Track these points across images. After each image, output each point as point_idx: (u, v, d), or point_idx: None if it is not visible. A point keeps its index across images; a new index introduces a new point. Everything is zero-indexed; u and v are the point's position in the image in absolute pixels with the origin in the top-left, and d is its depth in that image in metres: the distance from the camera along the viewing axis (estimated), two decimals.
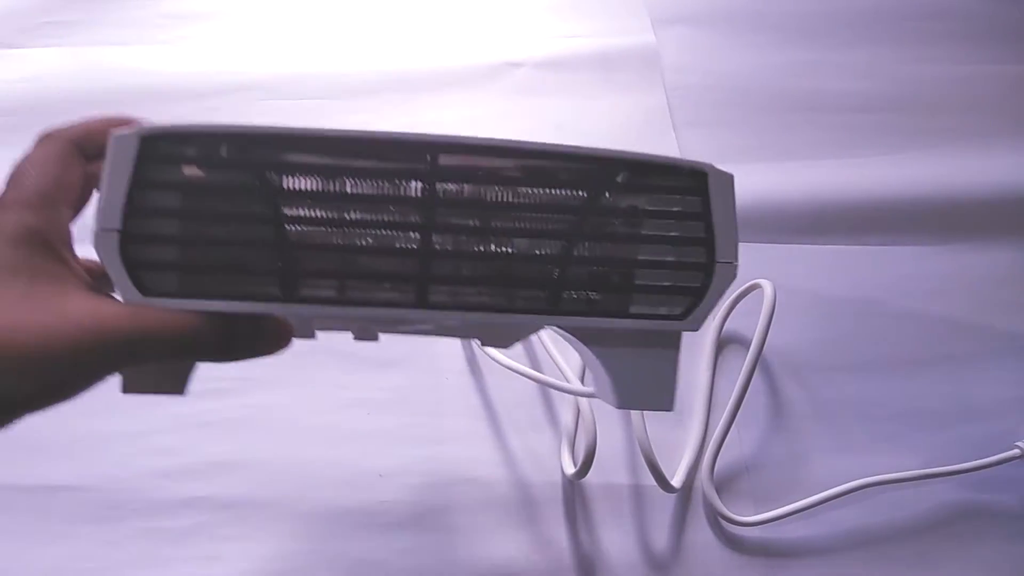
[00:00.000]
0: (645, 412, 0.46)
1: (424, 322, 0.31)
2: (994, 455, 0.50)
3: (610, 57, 0.63)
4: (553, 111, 0.61)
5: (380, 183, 0.27)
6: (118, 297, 0.26)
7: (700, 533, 0.49)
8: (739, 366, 0.48)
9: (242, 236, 0.26)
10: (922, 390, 0.53)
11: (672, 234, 0.29)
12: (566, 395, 0.49)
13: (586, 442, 0.44)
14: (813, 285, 0.56)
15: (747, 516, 0.48)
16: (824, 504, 0.49)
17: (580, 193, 0.28)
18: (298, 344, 0.29)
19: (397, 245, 0.27)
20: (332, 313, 0.27)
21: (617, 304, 0.28)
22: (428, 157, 0.27)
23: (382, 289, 0.27)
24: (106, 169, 0.25)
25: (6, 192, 0.26)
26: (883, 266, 0.57)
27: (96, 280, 0.27)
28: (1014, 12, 0.67)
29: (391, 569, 0.46)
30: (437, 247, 0.27)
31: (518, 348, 0.52)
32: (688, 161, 0.29)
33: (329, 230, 0.27)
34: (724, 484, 0.50)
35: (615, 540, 0.48)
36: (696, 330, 0.29)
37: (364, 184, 0.27)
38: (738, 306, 0.53)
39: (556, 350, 0.49)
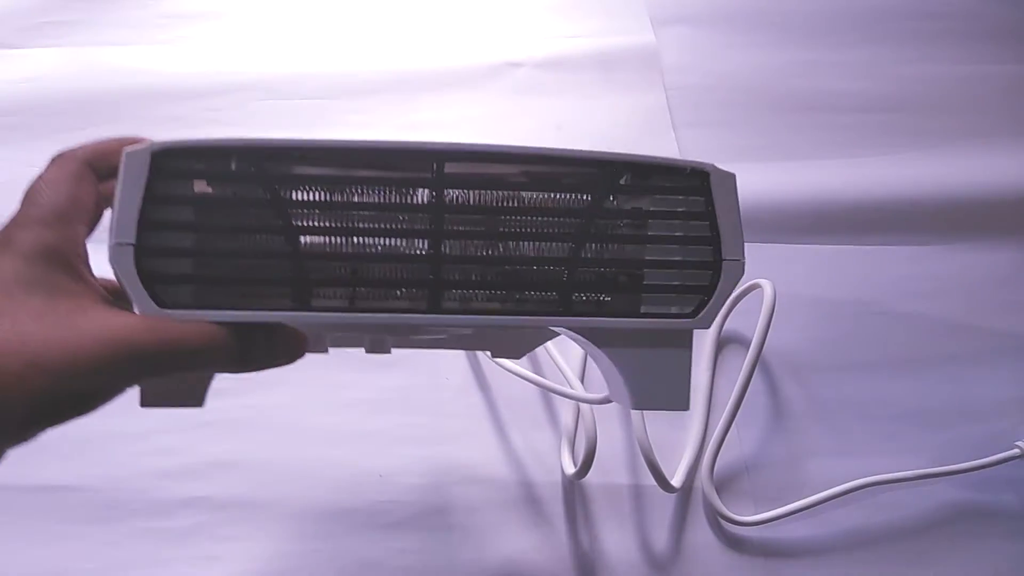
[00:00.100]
0: (645, 412, 0.46)
1: (437, 328, 0.32)
2: (994, 455, 0.50)
3: (610, 57, 0.63)
4: (553, 111, 0.61)
5: (388, 192, 0.27)
6: (135, 311, 0.26)
7: (700, 533, 0.49)
8: (739, 366, 0.48)
9: (254, 247, 0.27)
10: (922, 390, 0.53)
11: (677, 234, 0.29)
12: (566, 398, 0.49)
13: (586, 442, 0.44)
14: (813, 285, 0.56)
15: (747, 516, 0.48)
16: (824, 504, 0.49)
17: (584, 196, 0.28)
18: None
19: (407, 252, 0.27)
20: (346, 320, 0.27)
21: (628, 304, 0.29)
22: (434, 165, 0.27)
23: (394, 297, 0.28)
24: (119, 185, 0.26)
25: (22, 210, 0.27)
26: (883, 266, 0.57)
27: (113, 296, 0.28)
28: (1014, 12, 0.67)
29: (391, 569, 0.46)
30: (447, 253, 0.27)
31: None
32: (690, 162, 0.29)
33: (339, 239, 0.27)
34: (724, 484, 0.50)
35: (615, 540, 0.48)
36: (707, 327, 0.29)
37: (372, 193, 0.27)
38: (738, 306, 0.53)
39: (558, 354, 0.49)
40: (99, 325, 0.24)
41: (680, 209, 0.29)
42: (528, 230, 0.28)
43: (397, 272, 0.27)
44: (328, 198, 0.27)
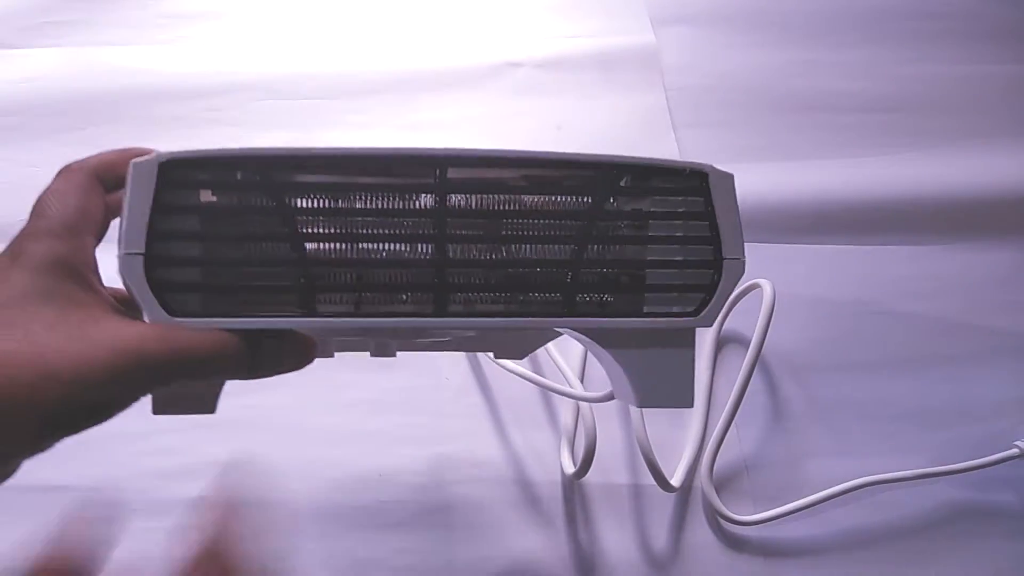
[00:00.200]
0: (644, 412, 0.46)
1: (443, 331, 0.32)
2: (994, 455, 0.50)
3: (610, 57, 0.63)
4: (553, 111, 0.61)
5: (392, 198, 0.28)
6: (145, 320, 0.27)
7: (699, 532, 0.49)
8: (738, 365, 0.49)
9: (261, 255, 0.27)
10: (922, 390, 0.53)
11: (678, 234, 0.30)
12: (566, 397, 0.49)
13: (586, 442, 0.44)
14: (813, 285, 0.56)
15: (746, 515, 0.48)
16: (823, 503, 0.49)
17: (585, 199, 0.29)
18: None
19: (412, 256, 0.28)
20: (353, 325, 0.28)
21: (631, 304, 0.30)
22: (437, 171, 0.28)
23: (400, 301, 0.28)
24: (127, 196, 0.26)
25: (31, 223, 0.27)
26: (883, 266, 0.57)
27: (123, 305, 0.28)
28: (1014, 12, 0.67)
29: (391, 569, 0.46)
30: (451, 256, 0.28)
31: None
32: (689, 163, 0.29)
33: (345, 245, 0.28)
34: (723, 483, 0.50)
35: (615, 539, 0.48)
36: (710, 325, 0.30)
37: (376, 199, 0.28)
38: (738, 306, 0.53)
39: (558, 353, 0.49)
40: (111, 335, 0.25)
41: (680, 209, 0.30)
42: (530, 233, 0.29)
43: (402, 276, 0.28)
44: (333, 205, 0.27)
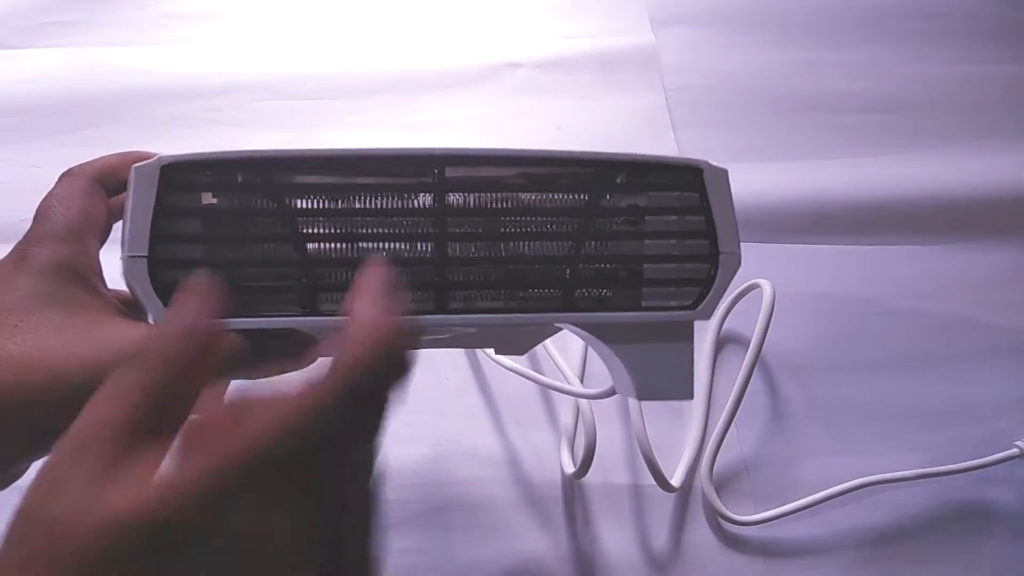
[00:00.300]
0: (644, 412, 0.46)
1: (444, 328, 0.32)
2: (994, 455, 0.50)
3: (610, 57, 0.63)
4: (553, 111, 0.61)
5: (391, 197, 0.28)
6: (150, 322, 0.27)
7: (699, 532, 0.49)
8: (738, 365, 0.49)
9: (262, 256, 0.28)
10: (922, 390, 0.53)
11: (674, 229, 0.30)
12: (566, 394, 0.49)
13: (586, 441, 0.44)
14: (813, 285, 0.56)
15: (746, 515, 0.48)
16: (823, 503, 0.49)
17: (582, 196, 0.29)
18: None
19: (412, 255, 0.28)
20: None
21: (629, 299, 0.30)
22: (435, 171, 0.28)
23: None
24: (130, 199, 0.27)
25: (35, 227, 0.27)
26: (883, 266, 0.57)
27: (126, 307, 0.29)
28: (1014, 12, 0.67)
29: (391, 569, 0.46)
30: (451, 255, 0.28)
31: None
32: (683, 158, 0.30)
33: (345, 245, 0.28)
34: (723, 483, 0.50)
35: (615, 539, 0.48)
36: (707, 319, 0.31)
37: (376, 199, 0.28)
38: (737, 306, 0.53)
39: (557, 352, 0.49)
40: (117, 337, 0.25)
41: (676, 205, 0.30)
42: (529, 230, 0.29)
43: (403, 275, 0.28)
44: (333, 205, 0.28)
